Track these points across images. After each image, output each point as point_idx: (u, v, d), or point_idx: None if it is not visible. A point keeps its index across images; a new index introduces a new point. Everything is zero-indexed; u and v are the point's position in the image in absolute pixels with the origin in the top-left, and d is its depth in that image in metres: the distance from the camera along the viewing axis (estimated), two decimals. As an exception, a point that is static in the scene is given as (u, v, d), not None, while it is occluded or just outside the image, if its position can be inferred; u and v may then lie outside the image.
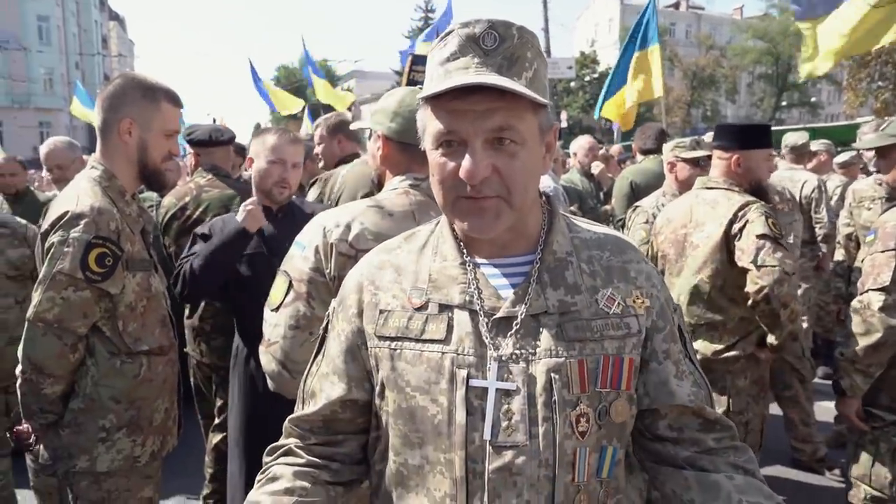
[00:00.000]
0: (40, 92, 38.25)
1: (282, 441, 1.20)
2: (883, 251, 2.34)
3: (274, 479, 1.12)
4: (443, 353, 1.04)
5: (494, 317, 1.05)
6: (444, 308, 1.07)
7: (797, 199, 4.73)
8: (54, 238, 1.93)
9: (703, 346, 2.72)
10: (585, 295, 1.07)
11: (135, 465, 2.08)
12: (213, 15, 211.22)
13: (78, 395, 2.00)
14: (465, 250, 1.11)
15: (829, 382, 2.61)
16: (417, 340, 1.07)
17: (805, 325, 4.73)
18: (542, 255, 1.09)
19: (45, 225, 2.00)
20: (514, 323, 1.04)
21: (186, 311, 3.25)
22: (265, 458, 1.19)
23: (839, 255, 4.47)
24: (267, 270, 2.44)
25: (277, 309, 1.61)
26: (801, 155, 5.11)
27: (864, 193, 4.27)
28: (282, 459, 1.17)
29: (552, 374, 1.01)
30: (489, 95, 0.97)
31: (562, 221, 1.14)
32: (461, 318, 1.06)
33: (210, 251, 2.50)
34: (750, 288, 2.58)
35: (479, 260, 1.10)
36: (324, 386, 1.16)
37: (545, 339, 1.03)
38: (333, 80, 51.05)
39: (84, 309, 1.94)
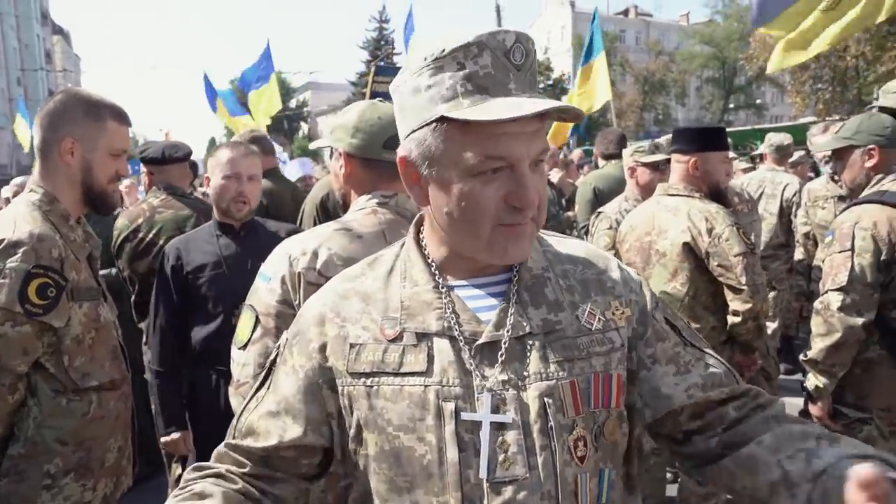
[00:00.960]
0: (-21, 110, 36.79)
1: (211, 463, 1.08)
2: (840, 251, 2.38)
3: (201, 496, 0.99)
4: (426, 385, 0.96)
5: (477, 343, 0.98)
6: (422, 337, 1.00)
7: (777, 200, 4.83)
8: None
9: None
10: (568, 311, 1.02)
11: (85, 511, 1.93)
12: (164, 28, 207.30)
13: (18, 439, 1.84)
14: (436, 273, 1.04)
15: (792, 378, 2.65)
16: (396, 374, 0.98)
17: (775, 325, 4.82)
18: (518, 273, 1.03)
19: None
20: (503, 344, 0.97)
21: (144, 337, 3.10)
22: (186, 475, 1.06)
23: (798, 253, 4.56)
24: (227, 293, 2.37)
25: (245, 347, 1.51)
26: (784, 156, 5.21)
27: (818, 193, 4.38)
28: (210, 480, 1.04)
29: (545, 399, 0.95)
30: (533, 116, 0.90)
31: None
32: (441, 347, 0.98)
33: (158, 396, 2.55)
34: (740, 307, 2.62)
35: (452, 282, 1.04)
36: (272, 427, 1.04)
37: (533, 361, 0.98)
38: (288, 92, 50.47)
39: (24, 345, 1.79)
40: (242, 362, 1.52)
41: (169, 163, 3.30)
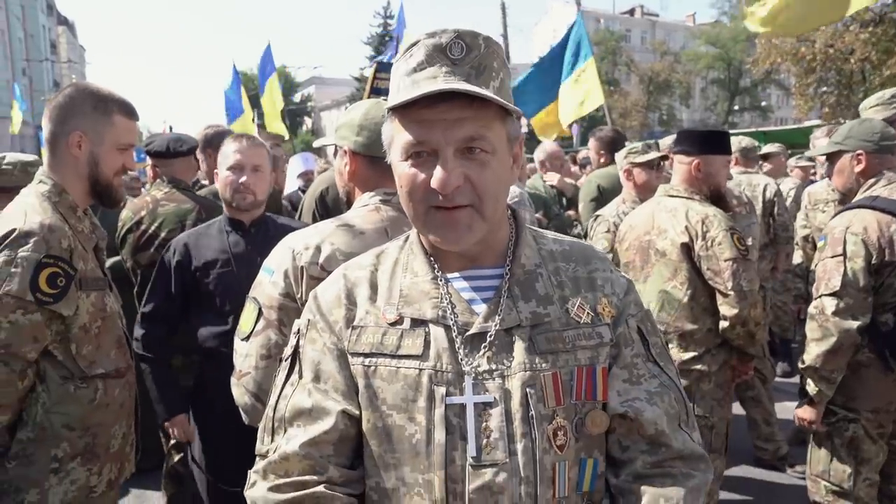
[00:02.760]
0: (-15, 99, 36.80)
1: (298, 479, 1.03)
2: (832, 256, 2.41)
3: None
4: (420, 369, 1.02)
5: (468, 333, 1.04)
6: (419, 323, 1.06)
7: (759, 202, 4.84)
8: (0, 258, 1.82)
9: (672, 355, 2.74)
10: (557, 306, 1.07)
11: (90, 495, 1.98)
12: (169, 20, 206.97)
13: (27, 424, 1.88)
14: (435, 265, 1.09)
15: (788, 381, 2.68)
16: (393, 356, 1.04)
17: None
18: (511, 268, 1.09)
19: None
20: (488, 336, 1.03)
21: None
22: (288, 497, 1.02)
23: (798, 256, 4.58)
24: (236, 290, 2.37)
25: (248, 338, 1.55)
26: (751, 159, 5.22)
27: (819, 196, 4.40)
28: None
29: (527, 389, 1.01)
30: (459, 104, 0.97)
31: (528, 234, 1.15)
32: (437, 334, 1.04)
33: (152, 382, 2.55)
34: (727, 312, 2.65)
35: (449, 275, 1.09)
36: (327, 403, 1.05)
37: (518, 352, 1.03)
38: (292, 86, 50.43)
39: (34, 333, 1.83)
40: (244, 353, 1.55)
41: (173, 156, 3.33)
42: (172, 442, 3.21)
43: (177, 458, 3.17)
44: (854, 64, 19.62)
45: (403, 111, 1.00)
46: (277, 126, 10.32)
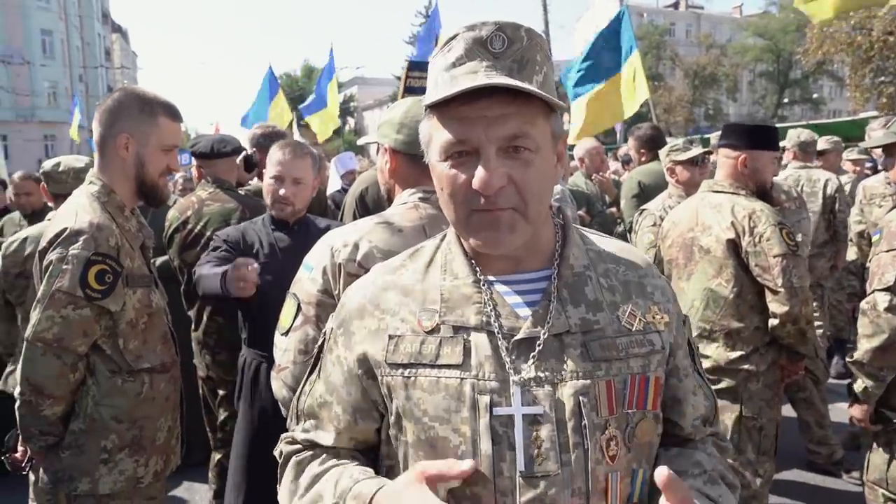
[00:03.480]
0: (44, 105, 38.46)
1: (296, 448, 1.15)
2: (888, 250, 2.30)
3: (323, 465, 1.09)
4: (462, 378, 0.98)
5: (515, 338, 0.99)
6: (459, 330, 1.01)
7: (819, 197, 4.67)
8: (52, 255, 1.90)
9: (717, 353, 2.67)
10: (607, 311, 1.02)
11: (137, 486, 2.04)
12: (215, 24, 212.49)
13: (79, 415, 1.96)
14: (477, 268, 1.05)
15: (844, 382, 2.57)
16: (433, 366, 1.00)
17: (821, 324, 4.67)
18: (559, 270, 1.04)
19: (43, 242, 1.96)
20: (537, 344, 0.98)
21: (193, 325, 3.22)
22: (299, 462, 1.13)
23: (852, 253, 4.40)
24: (278, 284, 2.42)
25: (287, 333, 1.57)
26: (810, 153, 5.02)
27: (876, 191, 4.22)
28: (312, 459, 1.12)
29: (580, 397, 0.96)
30: (501, 100, 0.92)
31: (576, 234, 1.10)
32: (479, 341, 1.00)
33: (204, 281, 2.52)
34: (777, 310, 2.56)
35: (492, 277, 1.04)
36: (327, 415, 1.10)
37: (570, 359, 0.98)
38: (336, 86, 51.14)
39: (84, 327, 1.90)
40: (284, 348, 1.58)
41: (217, 157, 3.40)
42: (219, 436, 3.30)
43: (222, 453, 3.24)
44: (914, 51, 18.77)
45: (442, 108, 0.96)
46: (332, 128, 10.65)
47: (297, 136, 10.74)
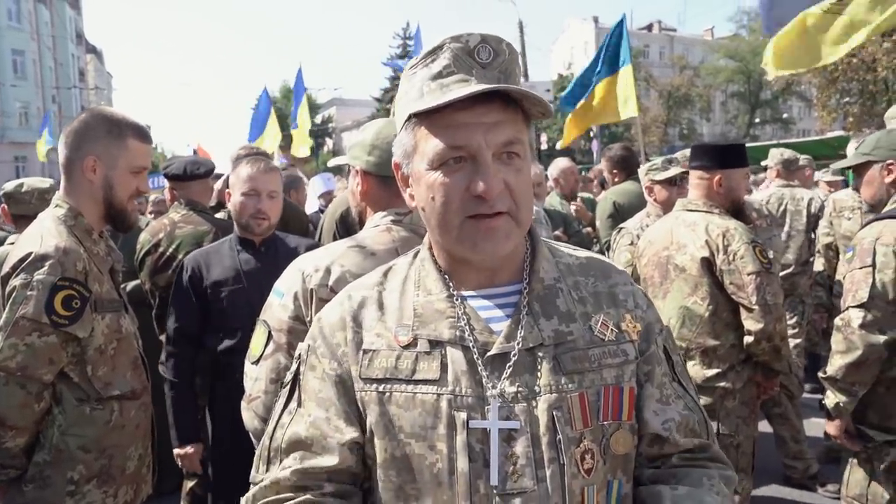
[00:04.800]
0: (15, 126, 37.87)
1: (289, 495, 1.01)
2: (861, 267, 2.33)
3: None
4: (438, 394, 0.97)
5: (489, 353, 0.99)
6: (435, 345, 1.00)
7: (803, 216, 4.74)
8: (16, 281, 1.85)
9: (694, 371, 2.68)
10: (579, 323, 1.02)
11: (106, 517, 1.97)
12: (192, 45, 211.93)
13: (44, 446, 1.89)
14: (450, 283, 1.05)
15: (817, 397, 2.59)
16: (408, 381, 0.99)
17: (798, 341, 4.72)
18: (530, 283, 1.04)
19: (6, 268, 1.91)
20: (511, 356, 0.98)
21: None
22: None
23: (819, 264, 4.47)
24: (246, 307, 2.40)
25: (258, 362, 1.53)
26: (792, 171, 5.10)
27: (844, 203, 4.30)
28: None
29: (554, 412, 0.96)
30: (497, 106, 0.94)
31: (545, 247, 1.10)
32: (455, 356, 0.99)
33: (171, 406, 2.58)
34: (752, 327, 2.59)
35: (465, 292, 1.04)
36: (328, 431, 1.02)
37: (544, 373, 0.98)
38: (314, 108, 51.10)
39: (50, 355, 1.85)
40: (255, 377, 1.54)
41: (190, 179, 3.37)
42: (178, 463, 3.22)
43: (195, 480, 3.16)
44: (879, 72, 19.34)
45: (433, 117, 0.95)
46: (304, 150, 10.55)
47: (279, 158, 10.72)
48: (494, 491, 0.93)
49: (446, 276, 1.05)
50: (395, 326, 1.03)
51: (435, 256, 1.07)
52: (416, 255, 1.12)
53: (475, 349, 0.99)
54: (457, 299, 1.03)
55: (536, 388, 0.97)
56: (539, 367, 0.98)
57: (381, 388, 1.00)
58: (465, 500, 0.94)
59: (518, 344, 0.98)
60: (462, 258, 1.02)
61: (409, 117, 0.99)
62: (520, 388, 0.97)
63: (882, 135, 2.64)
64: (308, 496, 1.00)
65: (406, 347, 1.01)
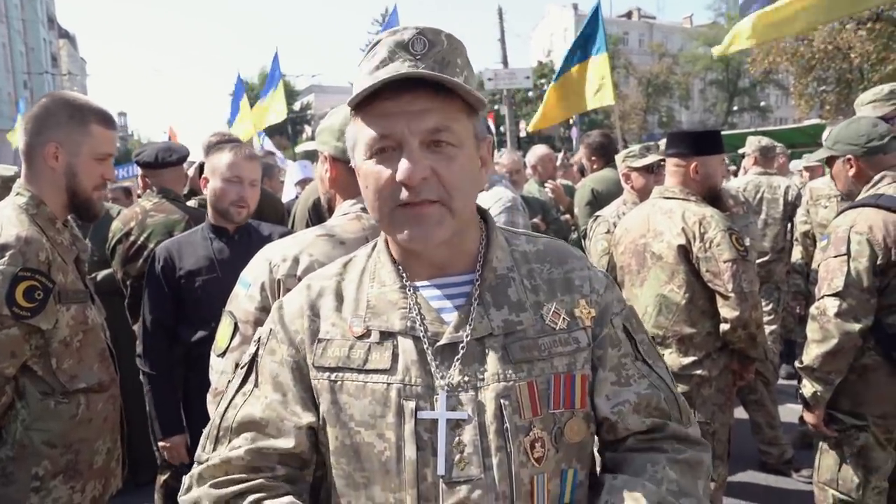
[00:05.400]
0: (-14, 113, 36.94)
1: (240, 476, 1.00)
2: (835, 256, 2.35)
3: None
4: (388, 383, 0.98)
5: (438, 343, 1.00)
6: (387, 336, 1.01)
7: (780, 204, 4.77)
8: None
9: (670, 360, 2.69)
10: (530, 312, 1.03)
11: (74, 513, 1.93)
12: (167, 31, 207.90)
13: (6, 442, 1.84)
14: (403, 274, 1.05)
15: (792, 383, 2.62)
16: (360, 371, 1.00)
17: (774, 327, 4.78)
18: (482, 273, 1.04)
19: None
20: (460, 348, 0.99)
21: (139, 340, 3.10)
22: (216, 492, 0.99)
23: (797, 252, 4.52)
24: (220, 297, 2.35)
25: (223, 354, 1.49)
26: (770, 158, 5.12)
27: (821, 192, 4.33)
28: (281, 499, 0.98)
29: (501, 400, 0.96)
30: (423, 95, 0.95)
31: (500, 236, 1.10)
32: (406, 346, 1.00)
33: (151, 399, 2.54)
34: (728, 315, 2.59)
35: (418, 283, 1.05)
36: (284, 414, 1.02)
37: (491, 363, 0.99)
38: (292, 95, 50.60)
39: (11, 348, 1.79)
40: (220, 370, 1.50)
41: (162, 166, 3.29)
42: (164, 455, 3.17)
43: (169, 472, 3.11)
44: (853, 61, 19.56)
45: (366, 108, 0.97)
46: (272, 118, 10.27)
47: (267, 144, 10.51)
48: (441, 479, 0.95)
49: (400, 268, 1.06)
50: (351, 317, 1.04)
51: (389, 248, 1.08)
52: (374, 248, 1.13)
53: (425, 339, 1.00)
54: (409, 290, 1.04)
55: (484, 377, 0.98)
56: (487, 357, 0.99)
57: (332, 377, 1.01)
58: (412, 487, 0.95)
59: (467, 334, 0.99)
60: (407, 248, 1.03)
61: (352, 110, 1.01)
62: (468, 378, 0.98)
63: (841, 128, 2.65)
64: (261, 480, 1.00)
65: (360, 338, 1.02)
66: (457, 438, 0.96)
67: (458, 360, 0.98)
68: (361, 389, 0.99)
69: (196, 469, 1.05)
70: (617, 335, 1.07)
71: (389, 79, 0.92)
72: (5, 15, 38.24)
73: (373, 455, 0.98)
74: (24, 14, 41.42)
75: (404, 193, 0.95)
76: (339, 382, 1.01)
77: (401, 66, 0.95)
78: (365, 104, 0.97)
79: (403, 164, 0.94)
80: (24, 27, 41.48)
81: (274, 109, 10.13)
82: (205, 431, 1.09)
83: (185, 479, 1.05)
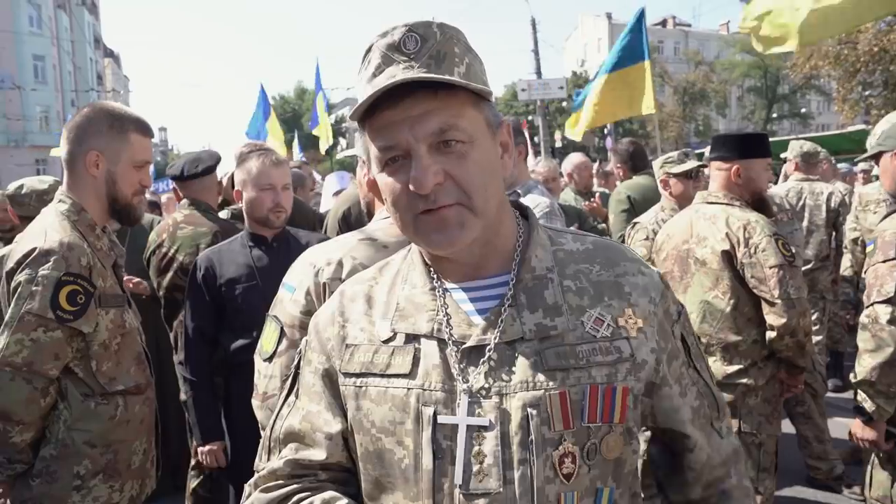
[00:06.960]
0: (36, 130, 38.40)
1: (287, 480, 1.02)
2: (884, 261, 2.25)
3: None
4: (408, 388, 0.95)
5: (464, 346, 0.95)
6: (411, 339, 0.98)
7: (822, 211, 4.63)
8: (21, 277, 1.83)
9: (715, 368, 2.61)
10: (568, 316, 0.96)
11: (112, 513, 1.95)
12: (206, 47, 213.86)
13: (50, 441, 1.89)
14: (434, 275, 1.02)
15: (841, 395, 2.50)
16: (382, 376, 0.97)
17: (820, 338, 4.60)
18: (518, 274, 0.98)
19: (11, 263, 1.89)
20: (487, 350, 0.93)
21: (174, 349, 3.14)
22: (262, 495, 1.01)
23: (846, 260, 4.35)
24: (261, 304, 2.35)
25: (271, 359, 1.49)
26: (812, 164, 4.96)
27: (871, 197, 4.19)
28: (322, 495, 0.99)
29: (529, 410, 0.90)
30: (422, 97, 0.90)
31: (542, 233, 1.04)
32: (428, 349, 0.96)
33: (192, 406, 2.56)
34: (774, 322, 2.51)
35: (449, 285, 1.01)
36: (318, 423, 1.03)
37: (521, 369, 0.93)
38: (327, 108, 51.40)
39: (55, 350, 1.83)
40: (269, 374, 1.50)
41: (190, 178, 3.30)
42: (192, 463, 3.19)
43: (198, 481, 3.14)
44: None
45: (370, 121, 0.93)
46: (324, 143, 10.73)
47: (297, 156, 10.80)
48: (458, 490, 0.90)
49: (431, 270, 1.02)
50: (380, 320, 1.02)
51: (422, 250, 1.05)
52: (409, 251, 1.10)
53: (450, 342, 0.95)
54: (439, 291, 1.00)
55: (511, 383, 0.92)
56: (517, 362, 0.93)
57: (357, 383, 1.00)
58: (428, 497, 0.91)
59: (495, 337, 0.94)
60: (457, 259, 1.00)
61: (359, 124, 0.98)
62: (493, 384, 0.92)
63: (891, 123, 2.56)
64: (305, 483, 1.02)
65: (385, 342, 0.99)
66: (477, 447, 0.91)
67: (483, 363, 0.93)
68: (383, 395, 0.97)
69: (253, 478, 1.08)
70: (677, 346, 1.03)
71: (382, 89, 0.88)
72: (56, 36, 39.83)
73: (393, 462, 0.95)
74: (72, 35, 43.11)
75: (421, 202, 0.92)
76: (364, 388, 0.99)
77: (395, 71, 0.91)
78: (367, 116, 0.93)
79: (413, 173, 0.90)
80: (72, 47, 43.13)
81: (325, 136, 10.52)
82: (261, 442, 1.12)
83: (245, 488, 1.09)
